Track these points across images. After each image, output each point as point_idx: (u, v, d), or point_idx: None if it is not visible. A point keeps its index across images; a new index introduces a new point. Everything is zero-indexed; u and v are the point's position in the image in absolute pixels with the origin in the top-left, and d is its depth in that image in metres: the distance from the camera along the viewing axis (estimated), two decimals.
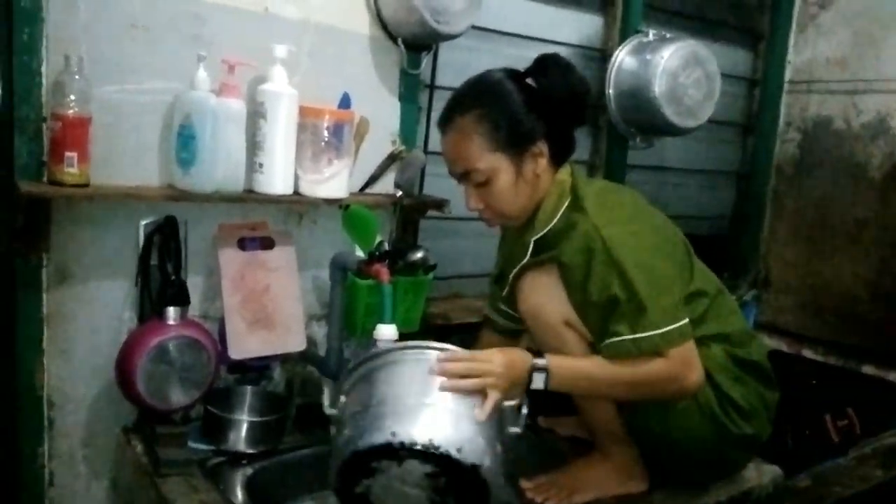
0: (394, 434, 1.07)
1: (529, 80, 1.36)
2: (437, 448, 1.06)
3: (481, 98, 1.34)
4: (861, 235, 2.57)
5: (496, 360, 1.19)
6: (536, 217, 1.37)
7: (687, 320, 1.28)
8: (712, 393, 1.33)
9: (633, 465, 1.41)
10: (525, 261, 1.38)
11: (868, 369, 2.48)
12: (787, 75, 2.77)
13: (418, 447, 1.06)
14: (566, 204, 1.35)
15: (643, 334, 1.24)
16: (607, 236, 1.26)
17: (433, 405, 1.13)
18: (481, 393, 1.15)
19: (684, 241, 1.44)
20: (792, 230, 2.77)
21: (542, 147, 1.34)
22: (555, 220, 1.35)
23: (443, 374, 1.15)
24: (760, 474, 1.53)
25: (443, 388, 1.14)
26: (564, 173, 1.39)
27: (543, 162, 1.35)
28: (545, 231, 1.35)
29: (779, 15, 2.72)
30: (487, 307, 1.63)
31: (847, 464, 1.85)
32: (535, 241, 1.36)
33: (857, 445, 1.92)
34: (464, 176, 1.36)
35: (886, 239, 2.50)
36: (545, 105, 1.34)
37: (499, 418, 1.17)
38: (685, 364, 1.27)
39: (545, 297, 1.34)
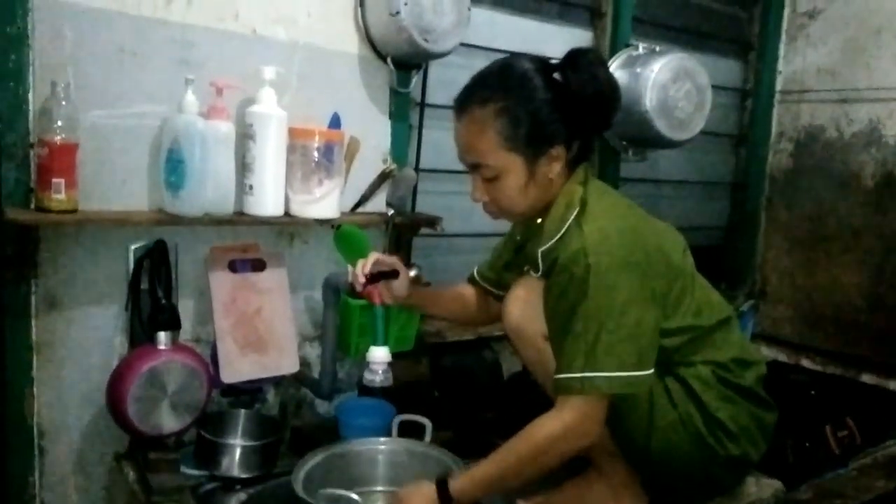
0: None
1: (556, 75, 1.27)
2: None
3: (505, 90, 1.25)
4: (857, 244, 2.57)
5: None
6: (544, 228, 1.31)
7: (650, 371, 1.21)
8: (697, 412, 1.29)
9: (630, 484, 1.38)
10: (539, 273, 1.31)
11: (868, 378, 2.47)
12: (778, 85, 2.78)
13: None
14: (573, 216, 1.26)
15: (590, 374, 1.16)
16: (593, 264, 1.17)
17: None
18: None
19: (684, 269, 1.33)
20: (787, 240, 2.77)
21: (560, 151, 1.27)
22: (561, 233, 1.27)
23: None
24: (761, 488, 1.51)
25: None
26: (576, 180, 1.31)
27: (558, 166, 1.28)
28: (551, 243, 1.29)
29: (768, 25, 2.74)
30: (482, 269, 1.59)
31: (849, 475, 1.83)
32: (541, 253, 1.30)
33: (858, 456, 1.90)
34: (473, 167, 1.30)
35: (882, 247, 2.50)
36: (570, 105, 1.26)
37: None
38: (591, 419, 1.19)
39: (530, 311, 1.30)
